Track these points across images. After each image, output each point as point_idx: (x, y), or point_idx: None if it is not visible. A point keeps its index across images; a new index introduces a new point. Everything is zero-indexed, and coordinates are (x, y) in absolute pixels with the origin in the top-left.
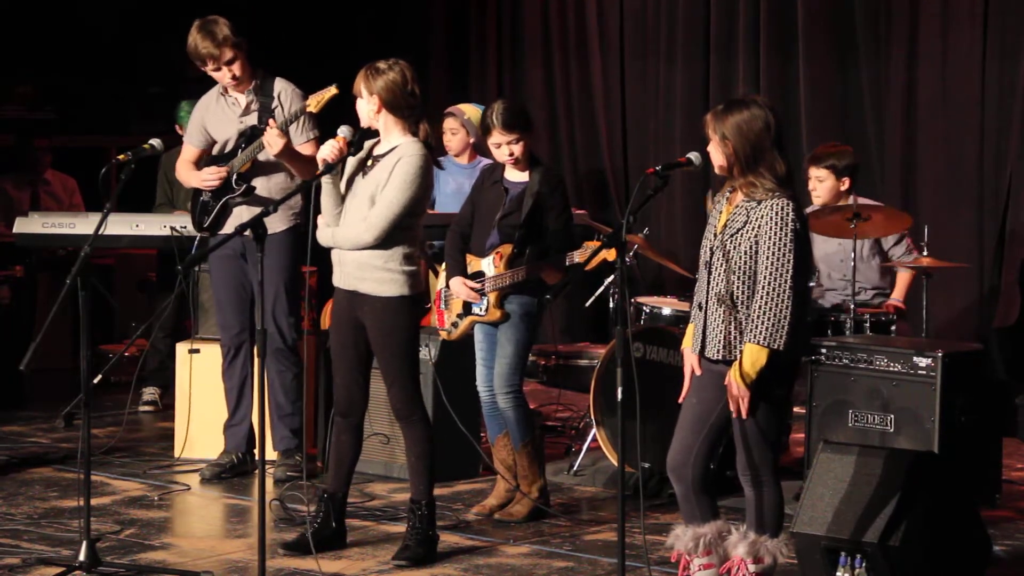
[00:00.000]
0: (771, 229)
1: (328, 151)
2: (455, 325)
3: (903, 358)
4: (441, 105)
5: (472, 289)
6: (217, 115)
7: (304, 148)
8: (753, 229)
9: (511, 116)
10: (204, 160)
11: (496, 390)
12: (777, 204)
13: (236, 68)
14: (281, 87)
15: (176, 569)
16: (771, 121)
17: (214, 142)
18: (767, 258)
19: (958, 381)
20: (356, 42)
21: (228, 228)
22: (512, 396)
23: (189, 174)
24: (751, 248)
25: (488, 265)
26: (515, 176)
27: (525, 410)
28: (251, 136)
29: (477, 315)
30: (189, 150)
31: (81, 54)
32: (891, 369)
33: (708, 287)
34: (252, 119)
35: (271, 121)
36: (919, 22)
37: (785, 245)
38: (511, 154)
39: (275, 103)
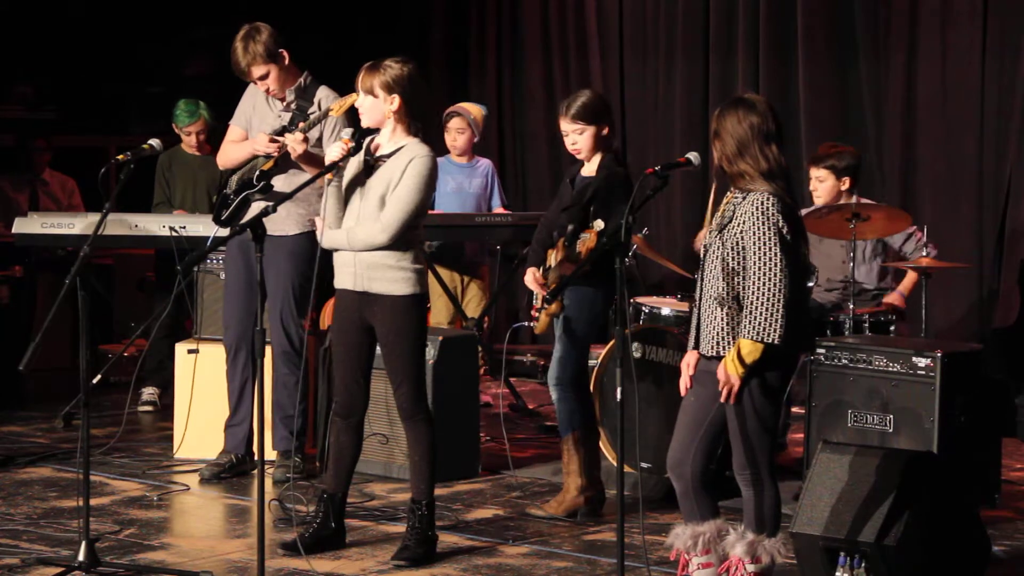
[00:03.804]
0: (754, 224)
1: (336, 152)
2: (536, 319)
3: (902, 358)
4: (441, 105)
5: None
6: (261, 105)
7: None
8: (739, 225)
9: (579, 107)
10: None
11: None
12: (758, 199)
13: (269, 83)
14: (324, 95)
15: (176, 569)
16: (755, 120)
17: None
18: (753, 253)
19: (958, 381)
20: (356, 42)
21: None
22: (558, 389)
23: (239, 148)
24: (737, 244)
25: (552, 258)
26: (585, 170)
27: (569, 405)
28: (278, 136)
29: (545, 308)
30: (236, 131)
31: (81, 54)
32: (890, 369)
33: (702, 284)
34: (286, 119)
35: (300, 124)
36: (919, 21)
37: (770, 239)
38: (574, 143)
39: (313, 108)
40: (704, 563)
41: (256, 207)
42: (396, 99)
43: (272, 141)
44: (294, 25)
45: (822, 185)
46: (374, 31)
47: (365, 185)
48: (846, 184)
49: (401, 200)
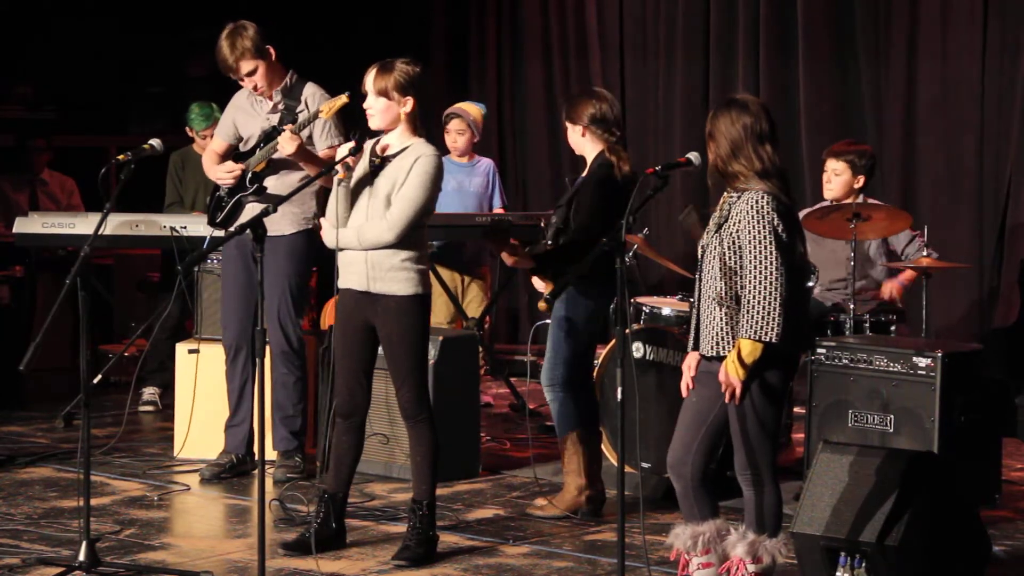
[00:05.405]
0: (749, 223)
1: (346, 151)
2: None
3: (903, 358)
4: (441, 105)
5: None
6: (246, 111)
7: (326, 154)
8: (734, 224)
9: (565, 104)
10: (231, 154)
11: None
12: (753, 197)
13: (256, 79)
14: (310, 92)
15: (176, 569)
16: (748, 121)
17: (242, 137)
18: (749, 252)
19: (958, 381)
20: (356, 42)
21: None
22: (550, 391)
23: (211, 166)
24: (734, 244)
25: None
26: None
27: (564, 406)
28: (269, 136)
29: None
30: (218, 142)
31: (81, 54)
32: (891, 369)
33: (700, 284)
34: (276, 119)
35: (288, 124)
36: (919, 22)
37: (765, 237)
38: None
39: (301, 106)
40: (704, 563)
41: (251, 208)
42: (410, 100)
43: (235, 164)
44: (294, 25)
45: (837, 178)
46: (374, 31)
47: (372, 185)
48: (860, 182)
49: (407, 199)
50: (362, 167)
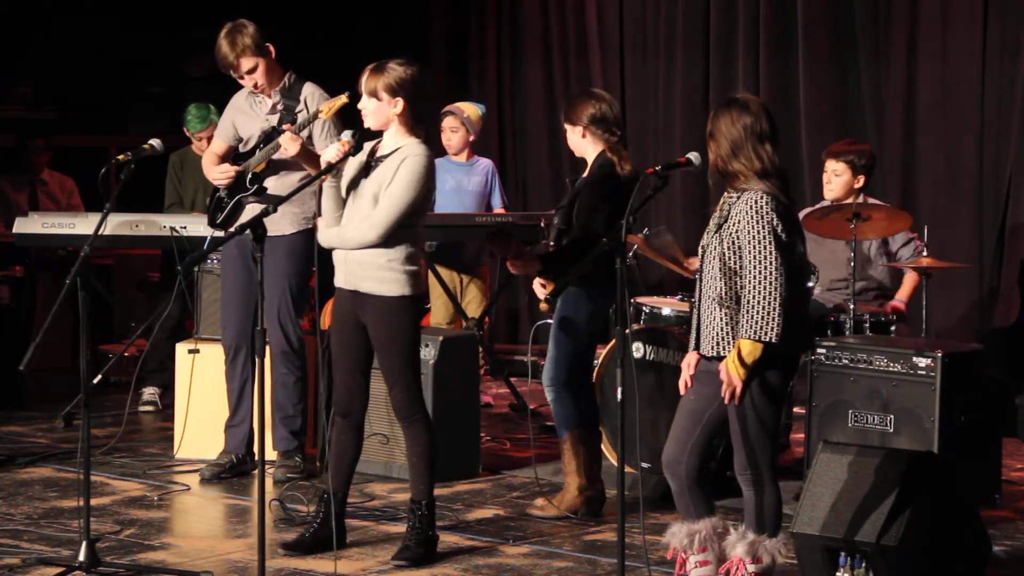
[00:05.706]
0: (748, 222)
1: (332, 153)
2: None
3: (903, 358)
4: (441, 105)
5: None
6: (245, 112)
7: None
8: (734, 224)
9: (564, 106)
10: (230, 155)
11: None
12: (752, 197)
13: (257, 76)
14: (309, 92)
15: (176, 569)
16: (748, 121)
17: (242, 138)
18: (749, 252)
19: (958, 381)
20: (356, 42)
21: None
22: (551, 390)
23: (209, 168)
24: (733, 244)
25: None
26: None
27: (564, 405)
28: (269, 137)
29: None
30: (217, 143)
31: (81, 54)
32: (891, 369)
33: (700, 285)
34: (276, 119)
35: (288, 124)
36: (919, 22)
37: (765, 237)
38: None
39: (300, 106)
40: (701, 561)
41: (251, 208)
42: (400, 102)
43: (233, 165)
44: (294, 25)
45: (837, 179)
46: (374, 31)
47: (361, 185)
48: (860, 182)
49: (392, 198)
50: (354, 167)
